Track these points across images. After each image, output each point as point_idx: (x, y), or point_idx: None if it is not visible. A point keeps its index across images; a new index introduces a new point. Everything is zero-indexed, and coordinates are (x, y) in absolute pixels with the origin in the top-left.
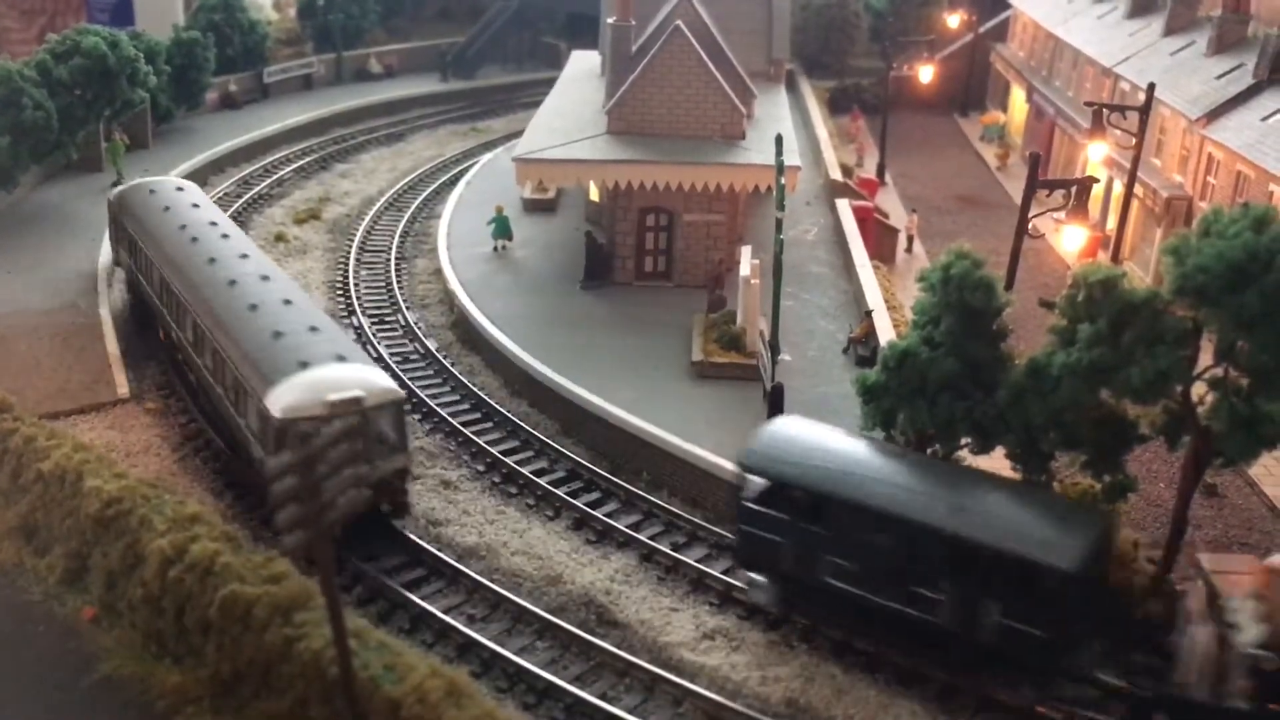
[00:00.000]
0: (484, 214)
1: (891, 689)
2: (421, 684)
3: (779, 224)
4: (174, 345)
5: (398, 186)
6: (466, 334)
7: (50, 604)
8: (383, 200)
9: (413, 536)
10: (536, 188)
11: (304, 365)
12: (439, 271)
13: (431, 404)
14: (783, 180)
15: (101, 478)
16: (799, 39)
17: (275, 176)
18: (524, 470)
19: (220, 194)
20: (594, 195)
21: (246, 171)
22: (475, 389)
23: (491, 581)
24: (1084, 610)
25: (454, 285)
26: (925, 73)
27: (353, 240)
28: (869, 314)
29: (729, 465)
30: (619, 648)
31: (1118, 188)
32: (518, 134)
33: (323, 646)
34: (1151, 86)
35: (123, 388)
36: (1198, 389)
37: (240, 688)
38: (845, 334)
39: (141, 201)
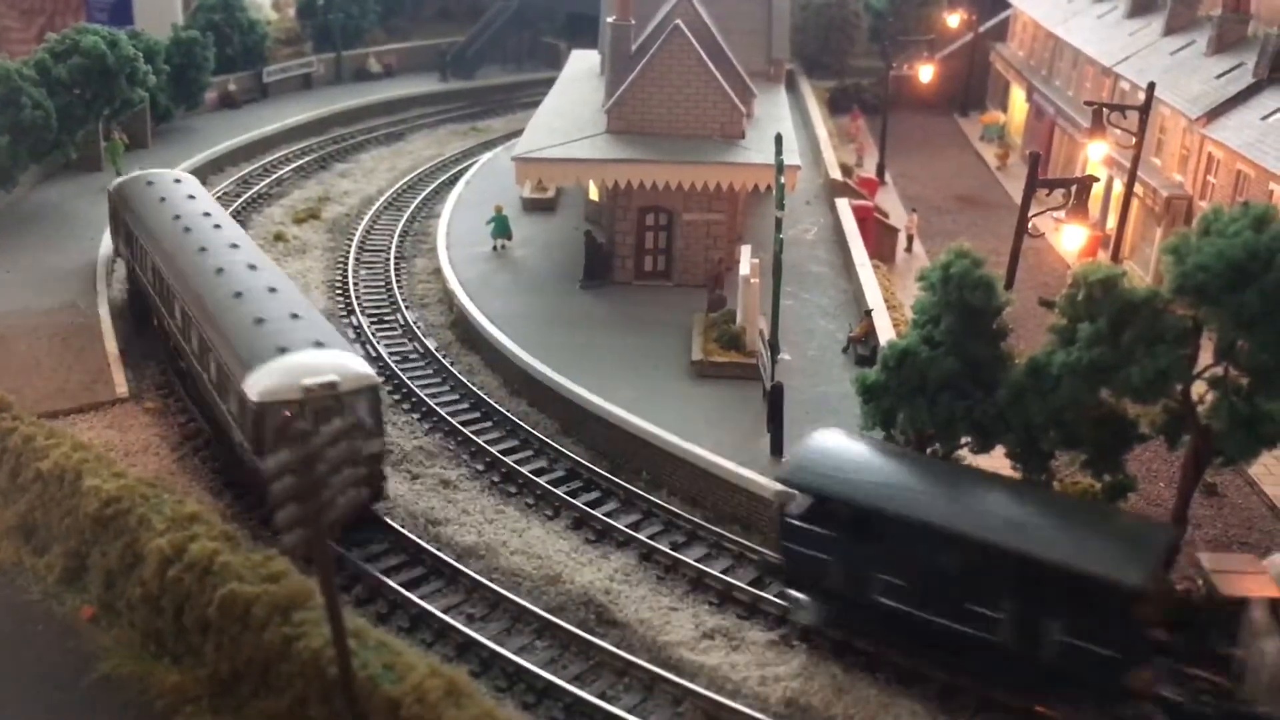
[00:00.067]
0: (483, 213)
1: (891, 689)
2: (421, 683)
3: (779, 223)
4: (166, 333)
5: (397, 186)
6: (466, 333)
7: (49, 603)
8: (382, 200)
9: (411, 535)
10: (536, 187)
11: (282, 351)
12: (438, 271)
13: (431, 403)
14: (782, 179)
15: (100, 477)
16: (799, 39)
17: (274, 176)
18: (523, 469)
19: (220, 193)
20: (593, 194)
21: (246, 171)
22: (474, 388)
23: (491, 581)
24: (1148, 626)
25: (453, 284)
26: (925, 72)
27: (352, 240)
28: (869, 313)
29: (728, 465)
30: (618, 647)
31: (1118, 187)
32: (517, 133)
33: (322, 645)
34: (1151, 86)
35: (122, 387)
36: (1198, 388)
37: (239, 687)
38: (845, 333)
39: (139, 193)
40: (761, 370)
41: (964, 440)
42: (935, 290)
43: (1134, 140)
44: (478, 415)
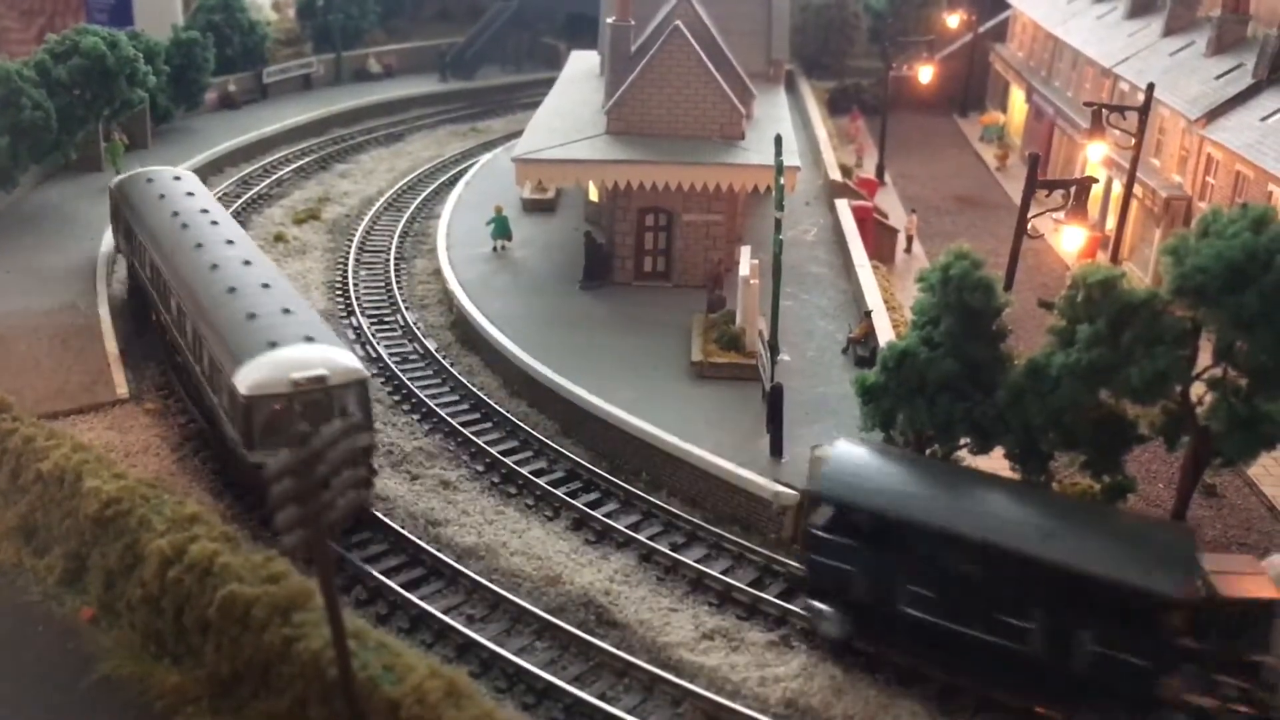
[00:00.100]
0: (483, 214)
1: (891, 689)
2: (421, 684)
3: (778, 224)
4: (163, 328)
5: (397, 187)
6: (466, 334)
7: (49, 604)
8: (382, 200)
9: (411, 536)
10: (536, 188)
11: (272, 345)
12: (438, 272)
13: (431, 404)
14: (782, 180)
15: (100, 478)
16: (798, 39)
17: (274, 177)
18: (523, 470)
19: (220, 194)
20: (593, 195)
21: (246, 171)
22: (474, 389)
23: (491, 582)
24: (1179, 634)
25: (453, 285)
26: (925, 73)
27: (352, 240)
28: (868, 314)
29: (728, 465)
30: (618, 648)
31: (1117, 188)
32: (517, 134)
33: (322, 647)
34: (1151, 87)
35: (122, 388)
36: (1197, 389)
37: (239, 688)
38: (844, 334)
39: (139, 190)
40: (761, 371)
41: (963, 441)
42: (934, 291)
43: (1133, 141)
44: (478, 416)
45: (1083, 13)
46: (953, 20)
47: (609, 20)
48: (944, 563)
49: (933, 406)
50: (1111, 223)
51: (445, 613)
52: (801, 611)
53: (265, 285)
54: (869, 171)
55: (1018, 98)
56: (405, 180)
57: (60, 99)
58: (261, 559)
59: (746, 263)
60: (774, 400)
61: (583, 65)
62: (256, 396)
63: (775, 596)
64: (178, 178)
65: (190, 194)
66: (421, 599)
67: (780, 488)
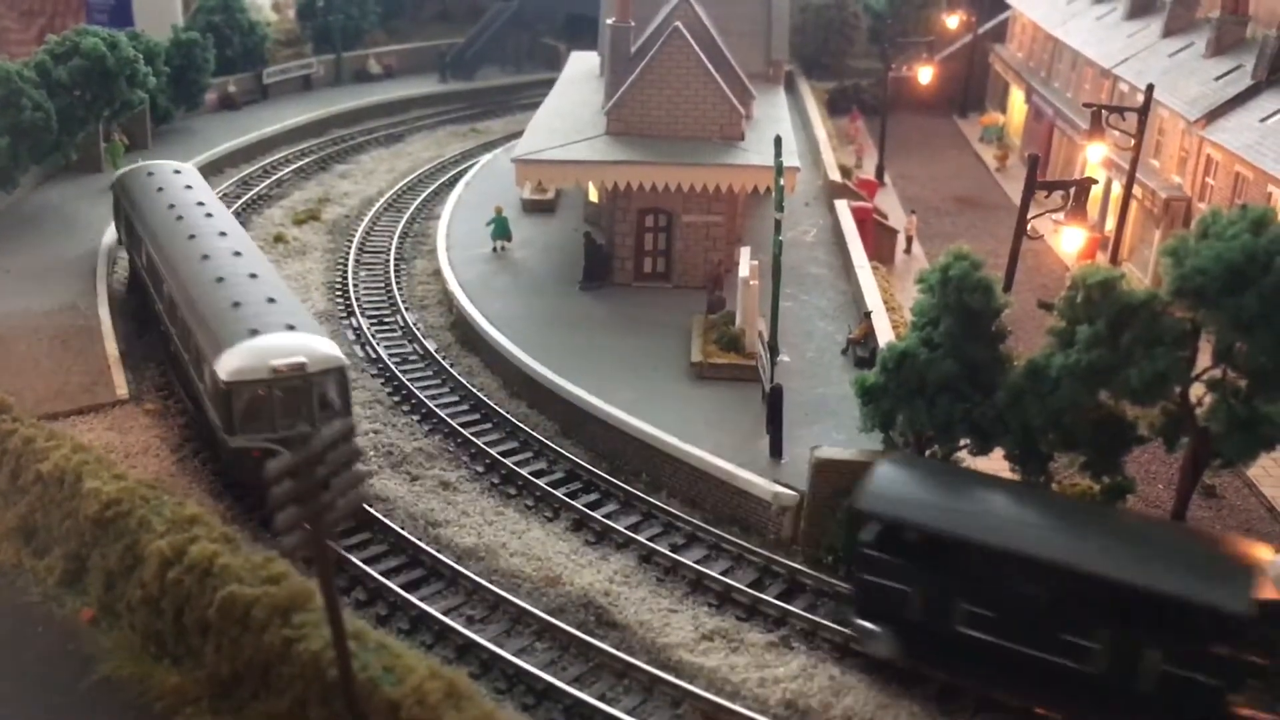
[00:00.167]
0: (483, 215)
1: (890, 690)
2: (421, 685)
3: (778, 225)
4: (157, 317)
5: (397, 187)
6: (465, 335)
7: (49, 605)
8: (382, 201)
9: (411, 537)
10: (535, 189)
11: (254, 333)
12: (438, 272)
13: (430, 405)
14: (781, 181)
15: (100, 479)
16: (798, 40)
17: (274, 177)
18: (523, 471)
19: (220, 194)
20: (593, 196)
21: (246, 172)
22: (474, 390)
23: (490, 583)
24: (1247, 650)
25: (453, 286)
26: (924, 74)
27: (352, 241)
28: (868, 315)
29: (728, 466)
30: (618, 649)
31: (1116, 189)
32: (517, 135)
33: (322, 647)
34: (1150, 88)
35: (122, 389)
36: (1196, 390)
37: (239, 689)
38: (844, 335)
39: (139, 182)
40: (761, 372)
41: (963, 442)
42: (934, 292)
43: (1133, 142)
44: (477, 417)
45: (1082, 13)
46: (952, 21)
47: (609, 21)
48: (1003, 581)
49: (932, 407)
50: (1111, 224)
51: (445, 614)
52: (840, 627)
53: (253, 275)
54: (868, 172)
55: (1017, 98)
56: (405, 181)
57: (60, 100)
58: (261, 560)
59: (746, 264)
60: (774, 401)
61: (582, 66)
62: (237, 382)
63: (775, 597)
64: (178, 171)
65: (188, 187)
66: (421, 600)
67: (780, 488)
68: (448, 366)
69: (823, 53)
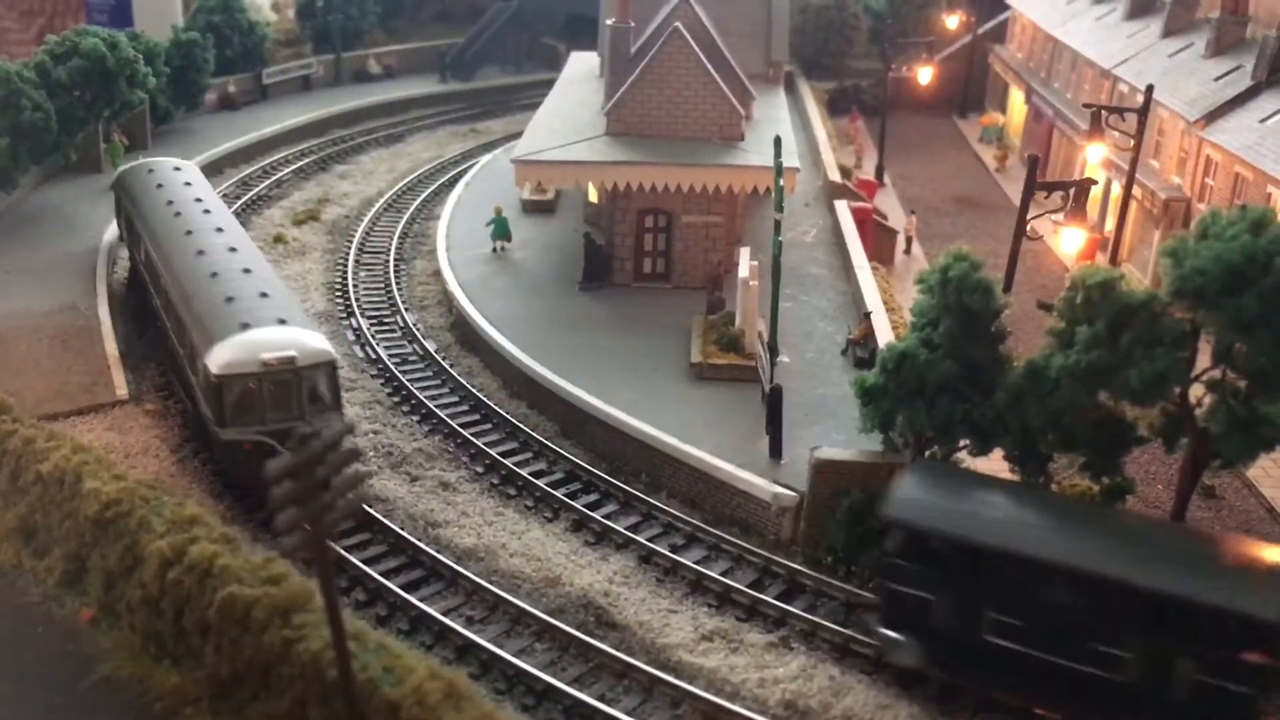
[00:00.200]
0: (483, 215)
1: (890, 690)
2: (420, 686)
3: (777, 225)
4: (154, 311)
5: (397, 188)
6: (465, 335)
7: (49, 606)
8: (382, 201)
9: (411, 537)
10: (535, 189)
11: (245, 327)
12: (438, 273)
13: (430, 405)
14: (781, 182)
15: (100, 479)
16: (798, 40)
17: (274, 178)
18: (523, 472)
19: (219, 195)
20: (593, 197)
21: (245, 173)
22: (474, 390)
23: (490, 583)
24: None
25: (453, 286)
26: (924, 74)
27: (351, 241)
28: (867, 316)
29: (728, 467)
30: (618, 649)
31: (1116, 189)
32: (516, 135)
33: (321, 648)
34: (1150, 88)
35: (121, 389)
36: (1196, 391)
37: (239, 689)
38: (844, 335)
39: (140, 179)
40: (760, 372)
41: (962, 443)
42: (934, 293)
43: (1132, 143)
44: (477, 417)
45: (1082, 14)
46: (952, 21)
47: (609, 21)
48: (1033, 590)
49: (932, 408)
50: (1111, 224)
51: (445, 614)
52: (867, 638)
53: (246, 271)
54: (868, 173)
55: (1017, 99)
56: (405, 181)
57: (60, 100)
58: (261, 560)
59: (746, 264)
60: (773, 402)
61: (582, 66)
62: (227, 375)
63: (774, 598)
64: (178, 168)
65: (188, 184)
66: (421, 600)
67: (779, 489)
68: (447, 367)
69: (823, 53)
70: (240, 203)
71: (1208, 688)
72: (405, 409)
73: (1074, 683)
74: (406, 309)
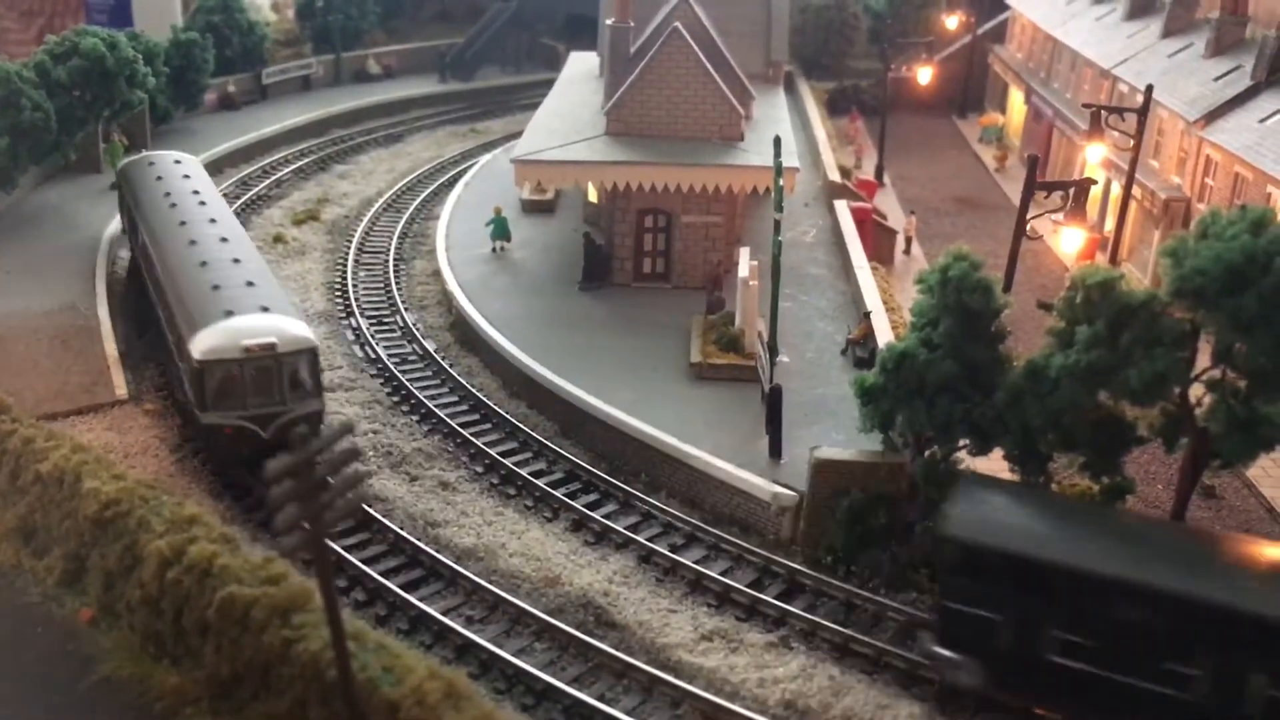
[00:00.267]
0: (482, 215)
1: (890, 690)
2: (420, 685)
3: (777, 225)
4: (150, 302)
5: (396, 188)
6: (465, 335)
7: (49, 605)
8: (381, 201)
9: (410, 537)
10: (535, 189)
11: (229, 314)
12: (437, 273)
13: (430, 405)
14: (781, 182)
15: (100, 479)
16: (797, 40)
17: (274, 178)
18: (522, 471)
19: (219, 194)
20: (592, 196)
21: (245, 173)
22: (474, 390)
23: (490, 583)
24: None
25: (452, 286)
26: (924, 74)
27: (351, 241)
28: (867, 315)
29: (727, 467)
30: (617, 649)
31: (1116, 189)
32: (516, 135)
33: (321, 648)
34: (1150, 88)
35: (121, 389)
36: (1195, 391)
37: (239, 689)
38: (843, 335)
39: (140, 172)
40: (760, 372)
41: (962, 443)
42: (934, 293)
43: (1132, 143)
44: (477, 417)
45: (1082, 14)
46: (952, 21)
47: (608, 21)
48: (1099, 608)
49: (932, 408)
50: (1110, 224)
51: (444, 614)
52: (923, 660)
53: (235, 260)
54: (868, 173)
55: (1017, 99)
56: (404, 181)
57: (60, 100)
58: (261, 560)
59: (745, 264)
60: (773, 401)
61: (582, 66)
62: (209, 361)
63: (774, 598)
64: (178, 161)
65: (186, 176)
66: (420, 600)
67: (779, 489)
68: (447, 367)
69: (822, 53)
70: (240, 203)
71: None
72: (405, 409)
73: (1142, 702)
74: (406, 309)
